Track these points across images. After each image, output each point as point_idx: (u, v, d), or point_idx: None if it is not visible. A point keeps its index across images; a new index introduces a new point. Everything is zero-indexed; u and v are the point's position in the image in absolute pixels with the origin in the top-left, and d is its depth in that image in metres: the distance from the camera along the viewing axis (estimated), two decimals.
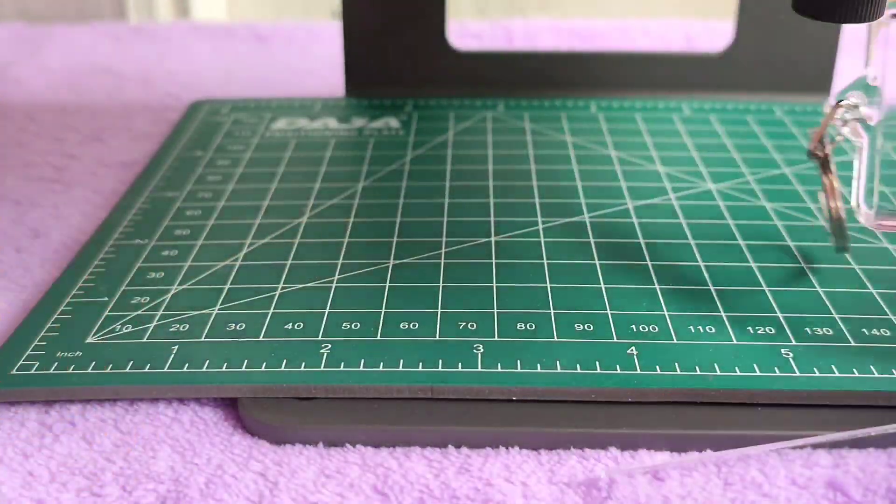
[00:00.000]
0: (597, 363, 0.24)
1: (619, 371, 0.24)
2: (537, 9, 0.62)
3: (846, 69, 0.49)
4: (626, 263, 0.29)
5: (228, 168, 0.37)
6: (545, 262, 0.29)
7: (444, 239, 0.31)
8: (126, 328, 0.26)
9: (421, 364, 0.25)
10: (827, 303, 0.27)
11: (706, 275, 0.29)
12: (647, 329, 0.26)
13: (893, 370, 0.24)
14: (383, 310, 0.27)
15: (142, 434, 0.23)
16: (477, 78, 0.44)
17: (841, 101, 0.27)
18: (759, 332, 0.26)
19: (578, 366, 0.24)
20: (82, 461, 0.23)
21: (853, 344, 0.25)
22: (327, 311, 0.27)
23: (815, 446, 0.22)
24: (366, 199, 0.34)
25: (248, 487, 0.22)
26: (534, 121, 0.42)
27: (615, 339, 0.25)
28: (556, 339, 0.26)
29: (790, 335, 0.26)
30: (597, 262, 0.29)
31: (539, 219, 0.33)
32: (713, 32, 0.55)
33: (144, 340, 0.26)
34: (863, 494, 0.21)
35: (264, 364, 0.25)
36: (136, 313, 0.27)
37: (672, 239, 0.31)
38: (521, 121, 0.42)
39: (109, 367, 0.25)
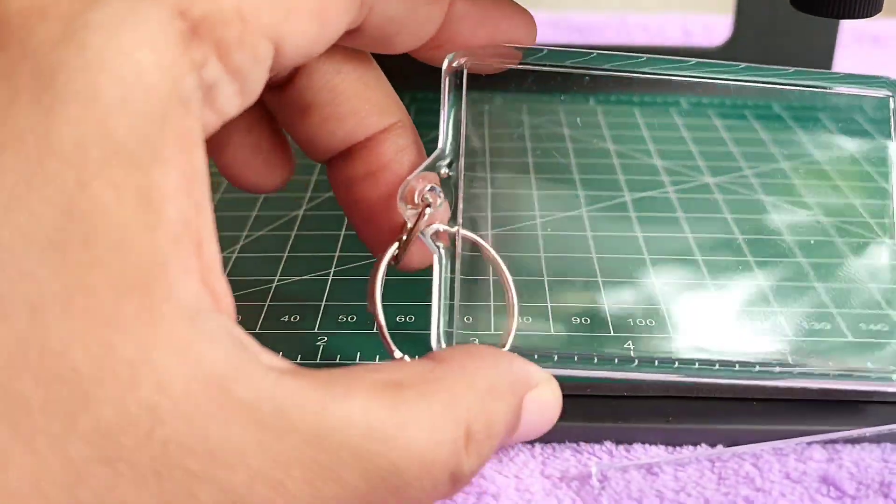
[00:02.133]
0: (594, 357, 0.24)
1: (616, 364, 0.24)
2: (535, 3, 0.61)
3: (844, 64, 0.49)
4: (623, 257, 0.29)
5: None
6: (542, 255, 0.29)
7: None
8: None
9: (417, 356, 0.25)
10: (825, 297, 0.27)
11: (704, 269, 0.29)
12: (644, 322, 0.26)
13: (890, 366, 0.24)
14: (380, 304, 0.27)
15: None
16: None
17: (426, 201, 0.22)
18: (757, 326, 0.26)
19: (576, 358, 0.24)
20: None
21: (851, 339, 0.25)
22: (324, 303, 0.27)
23: (810, 443, 0.23)
24: None
25: None
26: (532, 114, 0.42)
27: (612, 333, 0.25)
28: (552, 332, 0.26)
29: (788, 330, 0.26)
30: (594, 256, 0.29)
31: (537, 212, 0.33)
32: (711, 27, 0.55)
33: None
34: (856, 489, 0.21)
35: None
36: None
37: (670, 232, 0.31)
38: (519, 114, 0.42)
39: None
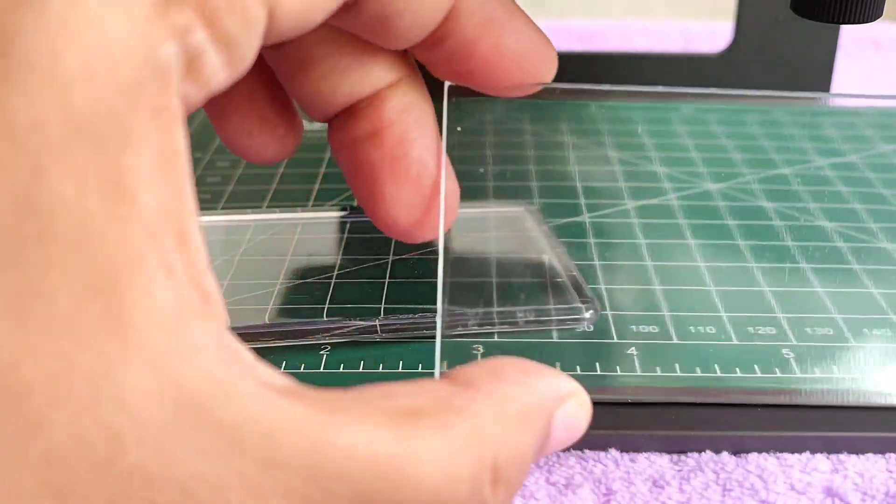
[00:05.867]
0: (597, 364, 0.24)
1: (619, 372, 0.24)
2: (536, 10, 0.62)
3: (845, 70, 0.50)
4: (625, 264, 0.29)
5: (227, 170, 0.37)
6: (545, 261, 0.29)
7: None
8: None
9: (420, 365, 0.25)
10: (827, 303, 0.27)
11: (706, 275, 0.29)
12: (647, 329, 0.26)
13: (892, 370, 0.24)
14: (383, 307, 0.27)
15: None
16: None
17: None
18: (759, 332, 0.26)
19: (579, 367, 0.24)
20: None
21: (853, 343, 0.25)
22: (326, 307, 0.27)
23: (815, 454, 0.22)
24: None
25: None
26: (533, 121, 0.42)
27: (615, 340, 0.25)
28: (556, 339, 0.26)
29: (791, 335, 0.26)
30: (596, 263, 0.29)
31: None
32: (712, 33, 0.55)
33: None
34: (861, 500, 0.21)
35: None
36: None
37: (672, 239, 0.31)
38: (520, 122, 0.42)
39: None
